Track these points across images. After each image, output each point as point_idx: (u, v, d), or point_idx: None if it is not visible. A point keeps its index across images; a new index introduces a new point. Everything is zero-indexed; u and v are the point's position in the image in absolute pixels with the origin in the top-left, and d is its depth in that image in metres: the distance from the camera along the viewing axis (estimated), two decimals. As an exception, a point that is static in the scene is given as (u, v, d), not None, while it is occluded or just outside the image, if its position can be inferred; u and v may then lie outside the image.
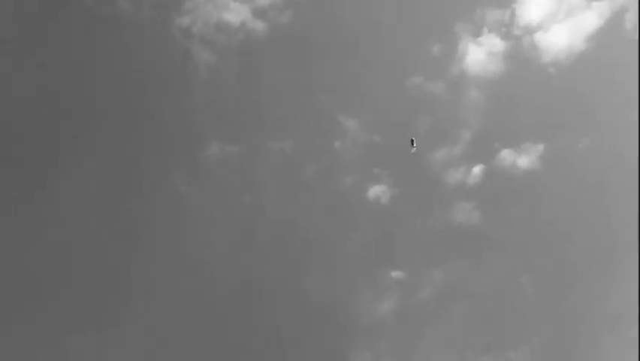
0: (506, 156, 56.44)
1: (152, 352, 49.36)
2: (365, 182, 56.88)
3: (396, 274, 53.91)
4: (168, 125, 57.84)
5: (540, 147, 56.30)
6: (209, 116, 58.31)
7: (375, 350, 51.36)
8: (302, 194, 57.42)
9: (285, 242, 54.71)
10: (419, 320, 52.33)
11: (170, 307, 51.00)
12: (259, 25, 59.55)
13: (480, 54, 59.56)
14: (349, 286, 53.57)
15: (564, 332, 50.60)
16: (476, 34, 59.92)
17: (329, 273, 53.74)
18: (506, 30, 59.81)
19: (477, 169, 56.56)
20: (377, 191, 56.53)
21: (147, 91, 57.97)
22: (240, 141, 57.47)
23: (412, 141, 48.22)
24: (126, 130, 57.26)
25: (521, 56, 59.36)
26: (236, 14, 59.67)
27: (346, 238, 55.44)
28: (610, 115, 57.00)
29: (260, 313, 51.25)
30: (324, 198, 57.03)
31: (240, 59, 60.23)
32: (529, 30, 59.48)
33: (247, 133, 57.96)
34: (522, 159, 56.13)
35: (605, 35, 58.59)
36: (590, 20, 59.24)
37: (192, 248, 53.80)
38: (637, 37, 56.19)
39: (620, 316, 49.67)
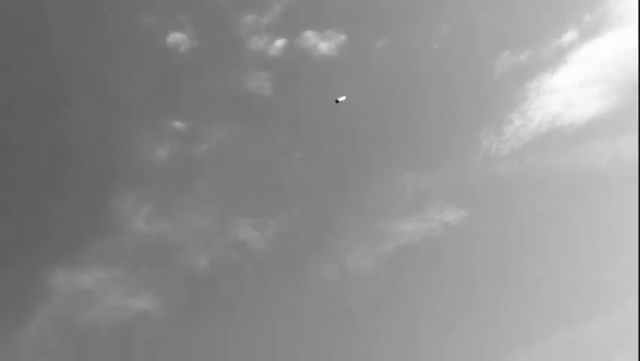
0: (310, 37, 57.44)
1: None
2: (166, 26, 54.94)
3: (178, 124, 53.60)
4: None
5: (342, 37, 57.98)
6: None
7: (141, 194, 51.38)
8: (95, 25, 54.03)
9: (67, 73, 51.80)
10: (190, 173, 53.02)
11: None
12: None
13: None
14: (126, 127, 52.44)
15: (320, 208, 54.20)
16: None
17: (106, 111, 52.09)
18: None
19: (280, 43, 57.03)
20: (177, 38, 54.97)
21: None
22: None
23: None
24: None
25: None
26: None
27: (133, 78, 53.71)
28: (413, 23, 59.89)
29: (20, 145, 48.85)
30: (118, 33, 54.30)
31: None
32: None
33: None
34: (324, 43, 57.50)
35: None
36: None
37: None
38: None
39: (369, 211, 54.13)
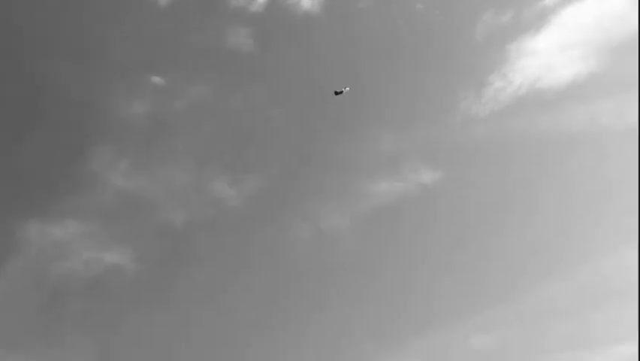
0: (293, -8, 56.64)
1: None
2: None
3: (156, 80, 53.11)
4: None
5: (324, -7, 57.16)
6: None
7: (118, 149, 51.18)
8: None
9: (44, 25, 51.35)
10: (168, 128, 52.84)
11: None
12: None
13: None
14: (104, 81, 51.97)
15: (297, 166, 54.19)
16: None
17: (83, 64, 51.52)
18: None
19: (261, -2, 56.23)
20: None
21: None
22: None
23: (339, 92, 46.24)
24: None
25: None
26: None
27: (112, 32, 53.09)
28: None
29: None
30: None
31: None
32: None
33: None
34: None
35: None
36: None
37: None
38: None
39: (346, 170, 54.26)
